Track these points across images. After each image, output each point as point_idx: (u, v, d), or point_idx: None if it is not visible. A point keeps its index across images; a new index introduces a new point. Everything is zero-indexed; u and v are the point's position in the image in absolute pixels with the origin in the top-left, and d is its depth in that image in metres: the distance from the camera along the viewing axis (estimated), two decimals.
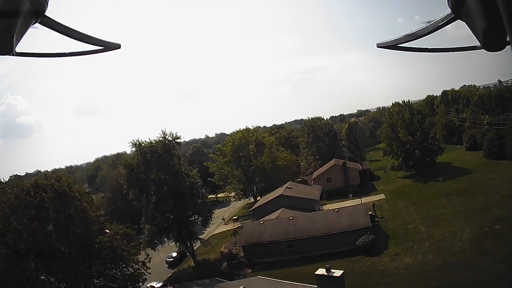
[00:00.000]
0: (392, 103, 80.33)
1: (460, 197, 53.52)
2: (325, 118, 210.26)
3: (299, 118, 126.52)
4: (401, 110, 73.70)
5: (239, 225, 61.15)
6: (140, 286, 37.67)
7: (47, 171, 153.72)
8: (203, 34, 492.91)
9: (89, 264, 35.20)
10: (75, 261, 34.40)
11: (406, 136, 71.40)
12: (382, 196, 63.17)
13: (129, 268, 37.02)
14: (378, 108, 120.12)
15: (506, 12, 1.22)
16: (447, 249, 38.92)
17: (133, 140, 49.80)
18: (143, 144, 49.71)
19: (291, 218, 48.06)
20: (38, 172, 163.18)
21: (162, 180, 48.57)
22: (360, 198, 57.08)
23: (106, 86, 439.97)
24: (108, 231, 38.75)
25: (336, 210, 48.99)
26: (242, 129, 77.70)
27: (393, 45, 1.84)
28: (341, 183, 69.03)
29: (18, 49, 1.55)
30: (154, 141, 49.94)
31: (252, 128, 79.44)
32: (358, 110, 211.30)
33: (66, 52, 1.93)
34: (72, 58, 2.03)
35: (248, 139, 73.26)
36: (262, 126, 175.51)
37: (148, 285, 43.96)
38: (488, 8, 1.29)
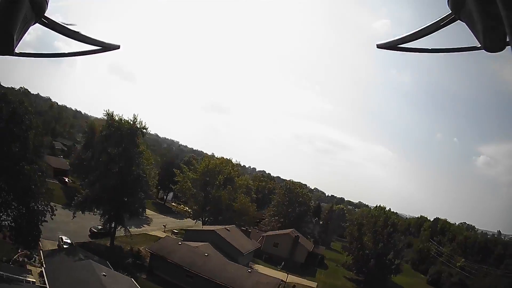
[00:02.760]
0: (375, 206, 78.77)
1: None
2: (326, 195, 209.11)
3: (304, 182, 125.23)
4: (378, 215, 71.87)
5: (172, 237, 60.34)
6: (40, 223, 37.65)
7: (57, 103, 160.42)
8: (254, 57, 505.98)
9: (5, 180, 36.22)
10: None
11: (370, 240, 69.14)
12: (313, 285, 60.41)
13: (36, 204, 37.60)
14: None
15: (506, 12, 1.22)
16: None
17: (108, 110, 51.37)
18: (113, 117, 50.84)
19: (206, 254, 46.89)
20: (49, 99, 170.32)
21: (114, 156, 48.86)
22: (287, 274, 54.80)
23: (148, 56, 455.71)
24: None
25: (249, 270, 47.27)
26: (224, 158, 78.22)
27: (393, 46, 1.84)
28: (286, 254, 66.75)
29: (18, 49, 1.58)
30: (123, 119, 50.80)
31: (235, 162, 79.17)
32: (359, 202, 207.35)
33: (66, 52, 2.00)
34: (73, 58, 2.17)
35: (222, 169, 73.20)
36: (267, 172, 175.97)
37: (59, 236, 46.46)
38: (488, 8, 1.30)
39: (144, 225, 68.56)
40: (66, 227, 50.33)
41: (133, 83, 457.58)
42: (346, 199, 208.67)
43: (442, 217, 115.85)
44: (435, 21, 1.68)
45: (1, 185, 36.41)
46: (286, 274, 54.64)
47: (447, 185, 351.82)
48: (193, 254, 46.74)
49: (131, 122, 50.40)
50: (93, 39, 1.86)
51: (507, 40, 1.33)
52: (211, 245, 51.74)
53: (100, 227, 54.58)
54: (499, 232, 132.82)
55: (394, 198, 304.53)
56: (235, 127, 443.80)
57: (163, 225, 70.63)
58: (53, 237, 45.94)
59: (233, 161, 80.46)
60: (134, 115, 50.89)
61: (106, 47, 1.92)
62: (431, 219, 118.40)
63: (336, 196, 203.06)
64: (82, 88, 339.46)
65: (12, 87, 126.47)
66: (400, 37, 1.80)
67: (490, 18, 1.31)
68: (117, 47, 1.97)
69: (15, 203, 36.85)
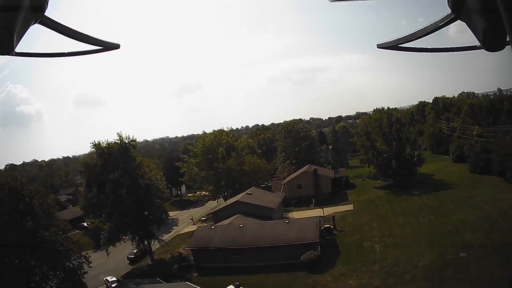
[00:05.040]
0: (374, 110, 78.58)
1: (431, 215, 50.51)
2: (324, 119, 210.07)
3: (297, 118, 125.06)
4: (380, 117, 71.71)
5: (203, 225, 60.60)
6: (82, 278, 38.55)
7: (44, 161, 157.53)
8: (202, 28, 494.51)
9: (32, 255, 36.75)
10: (22, 251, 36.10)
11: (383, 145, 69.43)
12: (350, 207, 61.35)
13: (69, 262, 38.37)
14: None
15: (506, 12, 1.24)
16: (397, 276, 35.82)
17: (94, 141, 50.81)
18: (101, 145, 50.34)
19: (241, 225, 47.23)
20: (35, 161, 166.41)
21: (118, 180, 48.81)
22: (322, 208, 55.46)
23: (107, 78, 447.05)
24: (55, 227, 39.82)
25: (286, 221, 47.80)
26: (215, 130, 77.50)
27: (393, 46, 1.84)
28: (312, 190, 67.49)
29: (18, 49, 1.56)
30: (110, 143, 50.50)
31: (226, 129, 78.60)
32: (357, 112, 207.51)
33: (66, 52, 1.93)
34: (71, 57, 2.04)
35: (219, 141, 72.63)
36: (260, 124, 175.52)
37: (104, 279, 45.95)
38: (488, 8, 1.31)
39: (173, 228, 69.25)
40: (105, 267, 50.99)
41: (104, 105, 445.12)
42: (343, 115, 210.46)
43: (440, 95, 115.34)
44: (435, 21, 1.67)
45: (33, 263, 36.47)
46: (321, 208, 55.51)
47: (430, 63, 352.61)
48: (229, 231, 47.07)
49: (119, 141, 50.03)
50: (94, 38, 1.83)
51: (507, 40, 1.33)
52: (241, 215, 52.12)
53: (135, 250, 54.80)
54: (499, 89, 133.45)
55: (387, 95, 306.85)
56: (212, 98, 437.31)
57: (190, 219, 71.25)
58: (99, 282, 46.14)
59: (224, 129, 79.91)
60: (118, 133, 50.51)
61: (106, 47, 1.89)
62: (430, 102, 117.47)
63: (333, 117, 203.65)
64: (59, 136, 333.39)
65: None
66: (400, 37, 1.80)
67: (490, 18, 1.31)
68: (117, 46, 1.94)
69: (52, 272, 37.17)
